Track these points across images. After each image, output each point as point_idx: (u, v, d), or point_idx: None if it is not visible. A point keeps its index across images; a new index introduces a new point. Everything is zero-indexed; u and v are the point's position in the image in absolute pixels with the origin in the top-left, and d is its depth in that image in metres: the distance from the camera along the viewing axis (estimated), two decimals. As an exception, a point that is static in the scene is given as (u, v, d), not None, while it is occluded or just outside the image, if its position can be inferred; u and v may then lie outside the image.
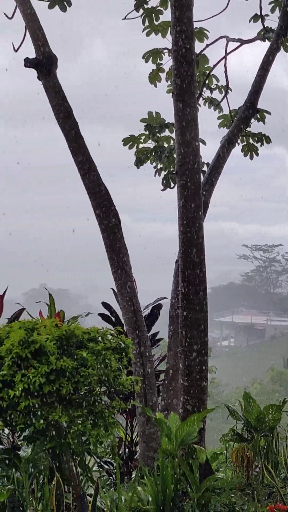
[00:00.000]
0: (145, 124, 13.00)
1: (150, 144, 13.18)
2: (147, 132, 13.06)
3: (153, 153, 13.08)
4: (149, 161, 13.24)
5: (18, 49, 11.53)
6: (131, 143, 13.10)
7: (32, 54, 10.60)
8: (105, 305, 12.33)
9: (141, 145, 13.14)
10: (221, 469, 10.28)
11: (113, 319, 12.11)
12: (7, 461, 6.78)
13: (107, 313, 12.21)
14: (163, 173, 13.02)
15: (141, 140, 13.14)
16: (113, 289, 11.43)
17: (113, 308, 12.28)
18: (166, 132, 13.18)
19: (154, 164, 13.21)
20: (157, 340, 12.49)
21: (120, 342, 6.80)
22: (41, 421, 6.22)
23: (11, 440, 8.76)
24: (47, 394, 6.26)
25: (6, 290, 10.57)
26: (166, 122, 13.00)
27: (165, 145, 13.04)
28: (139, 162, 13.09)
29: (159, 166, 13.12)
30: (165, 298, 12.45)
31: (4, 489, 6.36)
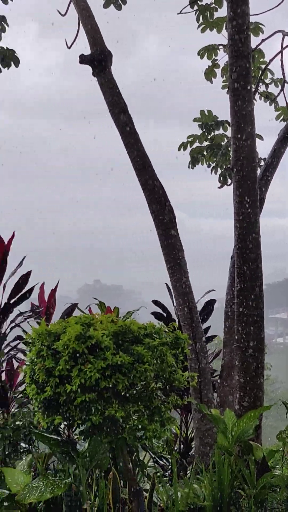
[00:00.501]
0: (199, 123, 12.95)
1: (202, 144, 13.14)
2: (201, 132, 13.01)
3: (208, 151, 13.02)
4: (202, 162, 13.20)
5: (71, 46, 11.59)
6: (184, 143, 13.10)
7: (82, 52, 10.63)
8: (156, 302, 12.32)
9: (195, 144, 13.11)
10: (277, 466, 10.20)
11: (165, 315, 12.10)
12: (64, 455, 6.82)
13: (159, 310, 12.20)
14: (219, 170, 12.96)
15: (192, 140, 13.10)
16: (166, 284, 11.42)
17: (164, 305, 12.26)
18: (220, 130, 13.11)
19: (209, 163, 13.16)
20: (211, 336, 12.44)
21: (176, 338, 6.78)
22: (98, 416, 6.25)
23: (67, 434, 8.82)
24: (103, 389, 6.28)
25: (57, 284, 10.65)
26: (219, 119, 12.94)
27: (221, 143, 12.98)
28: (194, 161, 13.05)
29: (215, 163, 13.06)
30: (213, 290, 12.39)
31: (61, 483, 6.41)
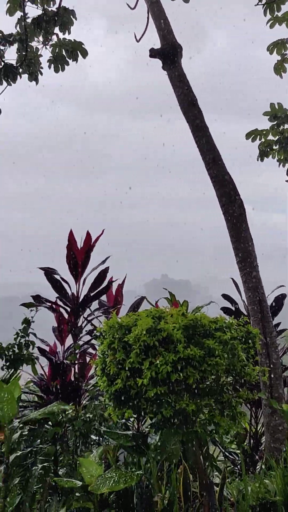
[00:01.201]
0: (269, 116, 12.81)
1: (271, 137, 13.00)
2: (270, 125, 12.87)
3: (277, 145, 12.87)
4: (271, 155, 13.06)
5: (140, 39, 11.59)
6: (253, 135, 12.96)
7: (148, 46, 10.59)
8: (226, 296, 12.23)
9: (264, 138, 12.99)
10: None
11: (234, 309, 12.02)
12: (135, 448, 6.85)
13: (228, 304, 12.11)
14: (288, 164, 12.81)
15: (264, 133, 12.96)
16: (232, 279, 11.33)
17: (234, 299, 12.17)
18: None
19: (277, 156, 13.01)
20: (281, 331, 12.31)
21: (247, 332, 6.74)
22: (169, 409, 6.25)
23: (136, 427, 8.86)
24: (174, 383, 6.29)
25: (124, 279, 10.68)
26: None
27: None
28: (263, 155, 12.91)
29: (283, 156, 12.91)
30: (282, 286, 12.24)
31: (133, 474, 6.43)
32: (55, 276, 9.61)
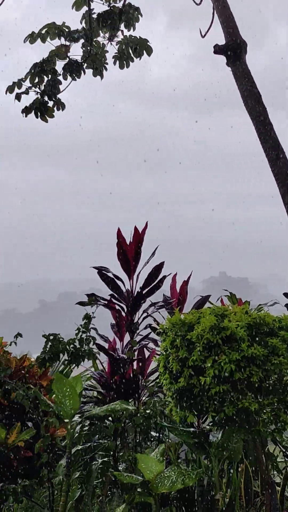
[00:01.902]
0: None
1: None
2: None
3: None
4: None
5: (205, 35, 11.51)
6: None
7: (214, 42, 10.49)
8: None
9: None
10: None
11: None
12: (196, 445, 6.84)
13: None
14: None
15: None
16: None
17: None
18: None
19: None
20: None
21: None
22: (231, 408, 6.22)
23: (197, 424, 8.85)
24: (237, 381, 6.25)
25: (190, 276, 10.64)
26: None
27: None
28: None
29: None
30: None
31: (193, 473, 6.43)
32: (108, 274, 9.64)
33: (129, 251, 9.66)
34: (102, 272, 9.61)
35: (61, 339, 8.38)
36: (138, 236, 9.74)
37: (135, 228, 9.77)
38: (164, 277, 9.95)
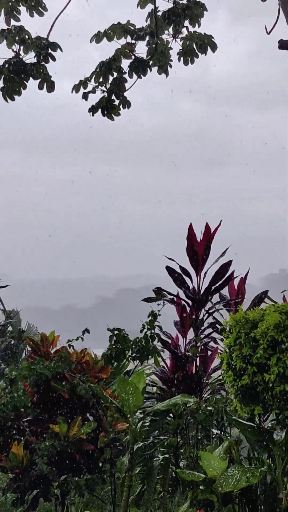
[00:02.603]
0: None
1: None
2: None
3: None
4: None
5: (270, 31, 11.38)
6: None
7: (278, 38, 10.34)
8: None
9: None
10: None
11: None
12: (259, 444, 6.79)
13: None
14: None
15: None
16: None
17: None
18: None
19: None
20: None
21: None
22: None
23: (258, 422, 8.78)
24: (302, 380, 6.17)
25: (247, 273, 10.56)
26: None
27: None
28: None
29: None
30: None
31: (256, 471, 6.38)
32: (175, 268, 9.63)
33: (198, 248, 9.63)
34: (170, 267, 9.60)
35: (125, 335, 8.42)
36: (209, 234, 9.69)
37: (207, 226, 9.73)
38: (232, 275, 9.90)
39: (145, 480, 8.56)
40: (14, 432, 8.09)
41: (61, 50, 8.66)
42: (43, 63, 8.59)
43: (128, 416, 7.16)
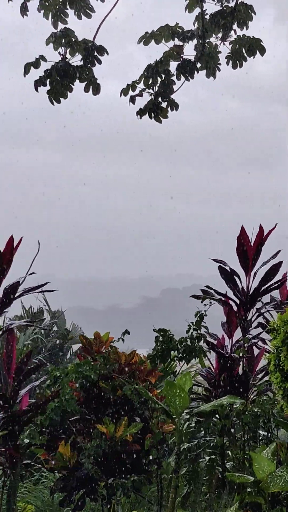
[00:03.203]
0: None
1: None
2: None
3: None
4: None
5: None
6: None
7: None
8: None
9: None
10: None
11: None
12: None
13: None
14: None
15: None
16: None
17: None
18: None
19: None
20: None
21: None
22: None
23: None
24: None
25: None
26: None
27: None
28: None
29: None
30: None
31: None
32: (226, 268, 9.58)
33: (249, 249, 9.58)
34: (221, 266, 9.58)
35: (171, 335, 8.43)
36: (261, 235, 9.62)
37: (260, 227, 9.67)
38: (286, 276, 9.82)
39: (191, 481, 8.57)
40: (61, 431, 8.14)
41: (107, 54, 8.71)
42: (89, 65, 8.63)
43: (174, 417, 7.17)
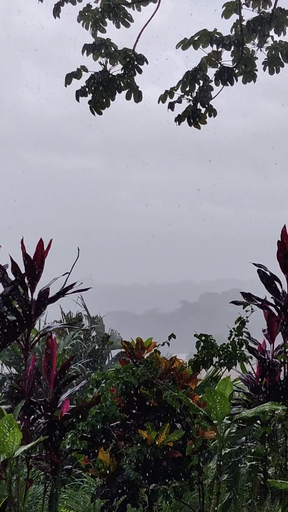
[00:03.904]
0: None
1: None
2: None
3: None
4: None
5: None
6: None
7: None
8: None
9: None
10: None
11: None
12: None
13: None
14: None
15: None
16: None
17: None
18: None
19: None
20: None
21: None
22: None
23: None
24: None
25: None
26: None
27: None
28: None
29: None
30: None
31: None
32: (267, 272, 9.51)
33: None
34: (261, 270, 9.52)
35: (212, 340, 8.39)
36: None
37: None
38: None
39: (233, 487, 8.52)
40: (102, 436, 8.17)
41: (147, 63, 8.76)
42: (132, 75, 8.70)
43: (216, 423, 7.15)
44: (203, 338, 8.40)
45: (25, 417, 8.06)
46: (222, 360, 8.37)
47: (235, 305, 9.20)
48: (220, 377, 11.01)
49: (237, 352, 8.34)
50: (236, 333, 8.41)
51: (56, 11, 8.75)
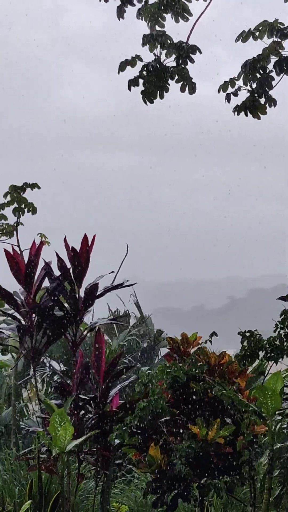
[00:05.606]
0: None
1: None
2: None
3: None
4: None
5: None
6: None
7: None
8: None
9: None
10: None
11: None
12: None
13: None
14: None
15: None
16: None
17: None
18: None
19: None
20: None
21: None
22: None
23: None
24: None
25: None
26: None
27: None
28: None
29: None
30: None
31: None
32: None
33: None
34: None
35: (258, 335, 8.34)
36: None
37: None
38: None
39: (285, 482, 8.45)
40: (152, 431, 8.16)
41: (200, 53, 8.73)
42: (184, 66, 8.67)
43: (267, 418, 7.10)
44: (247, 334, 8.35)
45: (75, 412, 8.10)
46: (268, 354, 8.30)
47: (283, 301, 9.15)
48: (265, 371, 10.92)
49: (284, 345, 8.27)
50: (281, 326, 8.34)
51: (120, 13, 8.79)
